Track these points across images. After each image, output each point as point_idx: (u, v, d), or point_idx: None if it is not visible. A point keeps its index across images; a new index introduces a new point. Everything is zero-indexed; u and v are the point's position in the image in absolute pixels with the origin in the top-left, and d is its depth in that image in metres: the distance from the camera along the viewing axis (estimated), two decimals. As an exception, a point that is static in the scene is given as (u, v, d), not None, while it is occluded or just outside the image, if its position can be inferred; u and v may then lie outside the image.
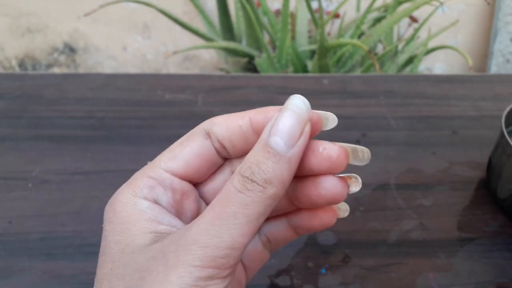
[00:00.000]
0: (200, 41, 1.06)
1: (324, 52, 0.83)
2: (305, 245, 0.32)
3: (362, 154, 0.18)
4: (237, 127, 0.19)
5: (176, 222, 0.18)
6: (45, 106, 0.44)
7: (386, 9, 0.98)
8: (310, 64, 0.94)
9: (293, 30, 0.99)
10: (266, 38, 1.02)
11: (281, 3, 1.06)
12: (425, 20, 0.96)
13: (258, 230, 0.21)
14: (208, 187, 0.21)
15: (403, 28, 1.16)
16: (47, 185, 0.36)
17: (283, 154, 0.16)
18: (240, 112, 0.19)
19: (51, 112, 0.43)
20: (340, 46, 0.88)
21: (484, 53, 1.26)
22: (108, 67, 1.34)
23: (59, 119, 0.42)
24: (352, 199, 0.35)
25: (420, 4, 0.83)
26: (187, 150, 0.20)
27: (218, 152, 0.20)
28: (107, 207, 0.19)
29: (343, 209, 0.20)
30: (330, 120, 0.19)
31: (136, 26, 1.27)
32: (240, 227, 0.16)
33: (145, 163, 0.38)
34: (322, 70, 0.87)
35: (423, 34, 1.03)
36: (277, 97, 0.45)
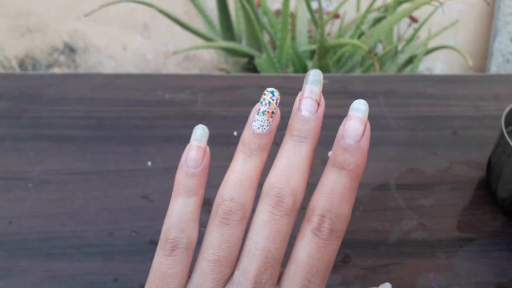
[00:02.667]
0: (200, 41, 1.06)
1: (324, 52, 0.83)
2: (305, 245, 0.32)
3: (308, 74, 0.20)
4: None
5: None
6: (45, 106, 0.44)
7: (386, 9, 0.98)
8: (310, 64, 0.94)
9: (293, 30, 0.99)
10: (266, 38, 1.02)
11: (281, 3, 1.06)
12: (425, 20, 0.96)
13: None
14: None
15: (403, 28, 1.16)
16: (46, 185, 0.36)
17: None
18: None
19: (51, 112, 0.43)
20: (340, 46, 0.88)
21: (484, 53, 1.26)
22: (108, 67, 1.34)
23: (59, 119, 0.42)
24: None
25: (420, 4, 0.83)
26: None
27: None
28: None
29: None
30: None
31: (136, 26, 1.27)
32: None
33: (145, 163, 0.39)
34: (322, 70, 0.87)
35: (423, 34, 1.03)
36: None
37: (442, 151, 0.40)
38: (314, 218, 0.19)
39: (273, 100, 0.20)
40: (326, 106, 0.45)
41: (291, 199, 0.19)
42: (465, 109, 0.44)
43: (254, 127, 0.20)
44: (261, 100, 0.20)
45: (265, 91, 0.20)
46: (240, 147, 0.20)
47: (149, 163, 0.38)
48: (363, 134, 0.19)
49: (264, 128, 0.20)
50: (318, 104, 0.20)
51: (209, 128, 0.41)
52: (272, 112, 0.20)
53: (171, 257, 0.19)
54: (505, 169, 0.33)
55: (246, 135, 0.20)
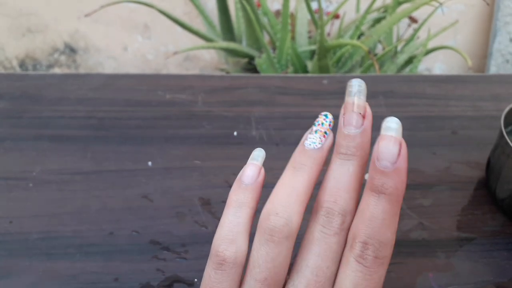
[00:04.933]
0: (200, 42, 1.06)
1: (324, 53, 0.83)
2: (305, 244, 0.32)
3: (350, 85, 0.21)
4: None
5: None
6: (45, 106, 0.44)
7: (386, 9, 0.98)
8: (310, 65, 0.94)
9: (293, 31, 0.99)
10: (266, 38, 1.02)
11: (281, 4, 1.06)
12: (425, 20, 0.96)
13: None
14: None
15: (403, 28, 1.16)
16: (47, 185, 0.36)
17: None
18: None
19: (51, 112, 0.43)
20: (340, 46, 0.88)
21: (484, 54, 1.26)
22: (109, 67, 1.34)
23: (59, 119, 0.42)
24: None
25: (420, 4, 0.83)
26: None
27: None
28: None
29: None
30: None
31: (137, 26, 1.28)
32: None
33: (145, 163, 0.39)
34: (322, 71, 0.87)
35: (422, 34, 1.03)
36: (277, 97, 0.45)
37: (441, 151, 0.40)
38: (357, 246, 0.18)
39: (326, 121, 0.21)
40: (327, 106, 0.45)
41: (340, 218, 0.19)
42: (465, 109, 0.44)
43: (306, 144, 0.20)
44: (315, 122, 0.21)
45: (319, 115, 0.21)
46: (289, 164, 0.20)
47: (150, 163, 0.38)
48: (399, 155, 0.18)
49: (316, 145, 0.20)
50: (364, 117, 0.20)
51: (209, 128, 0.41)
52: (325, 132, 0.20)
53: (220, 271, 0.19)
54: (505, 169, 0.33)
55: (296, 152, 0.20)
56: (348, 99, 0.20)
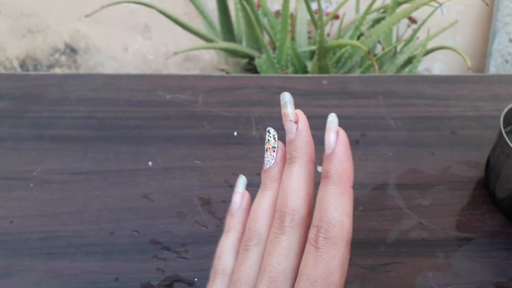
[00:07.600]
0: (200, 42, 1.06)
1: (323, 53, 0.83)
2: (305, 244, 0.32)
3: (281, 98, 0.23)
4: None
5: None
6: (46, 106, 0.44)
7: (385, 10, 0.99)
8: (309, 65, 0.94)
9: (293, 31, 0.99)
10: (266, 39, 1.02)
11: (281, 4, 1.07)
12: (424, 21, 0.96)
13: None
14: None
15: (402, 29, 1.17)
16: (48, 185, 0.36)
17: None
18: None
19: (52, 112, 0.43)
20: (340, 47, 0.88)
21: (483, 54, 1.27)
22: (109, 68, 1.34)
23: (60, 119, 0.42)
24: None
25: (419, 5, 0.83)
26: None
27: None
28: None
29: None
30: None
31: (137, 27, 1.28)
32: None
33: (145, 163, 0.39)
34: (322, 71, 0.87)
35: (422, 35, 1.03)
36: (277, 97, 0.45)
37: (440, 151, 0.40)
38: (311, 231, 0.20)
39: (270, 137, 0.23)
40: (326, 106, 0.45)
41: (288, 217, 0.21)
42: (464, 109, 0.44)
43: (264, 165, 0.23)
44: (265, 141, 0.23)
45: (266, 132, 0.23)
46: (260, 185, 0.23)
47: (150, 163, 0.38)
48: (336, 141, 0.20)
49: (270, 163, 0.23)
50: (296, 122, 0.22)
51: (209, 128, 0.41)
52: (273, 147, 0.23)
53: (211, 282, 0.23)
54: (504, 169, 0.33)
55: (262, 173, 0.23)
56: (282, 111, 0.22)
